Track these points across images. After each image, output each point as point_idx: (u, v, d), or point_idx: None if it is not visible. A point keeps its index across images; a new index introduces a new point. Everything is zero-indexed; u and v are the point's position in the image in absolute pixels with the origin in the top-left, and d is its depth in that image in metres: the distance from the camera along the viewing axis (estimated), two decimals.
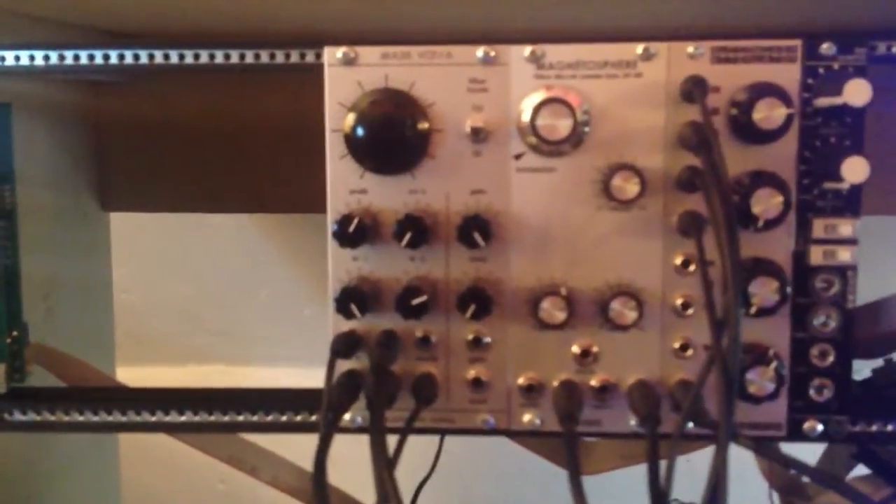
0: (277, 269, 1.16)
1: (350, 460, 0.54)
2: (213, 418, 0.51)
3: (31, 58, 0.49)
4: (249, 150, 0.86)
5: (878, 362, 0.56)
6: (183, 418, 0.51)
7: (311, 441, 0.45)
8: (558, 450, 0.59)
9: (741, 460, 0.53)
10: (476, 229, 0.47)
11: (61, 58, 0.49)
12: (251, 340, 1.21)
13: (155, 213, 0.96)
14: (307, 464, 0.45)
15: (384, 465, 0.41)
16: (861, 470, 0.59)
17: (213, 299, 1.21)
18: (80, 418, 0.51)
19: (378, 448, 0.42)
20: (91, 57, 0.48)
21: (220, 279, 1.19)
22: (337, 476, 0.55)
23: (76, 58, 0.48)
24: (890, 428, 0.49)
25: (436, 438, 0.87)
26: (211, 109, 0.86)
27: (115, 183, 0.85)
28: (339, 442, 0.48)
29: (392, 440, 0.45)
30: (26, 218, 0.70)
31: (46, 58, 0.49)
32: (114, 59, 0.48)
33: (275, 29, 0.63)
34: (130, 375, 1.02)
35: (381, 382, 0.46)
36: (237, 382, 1.22)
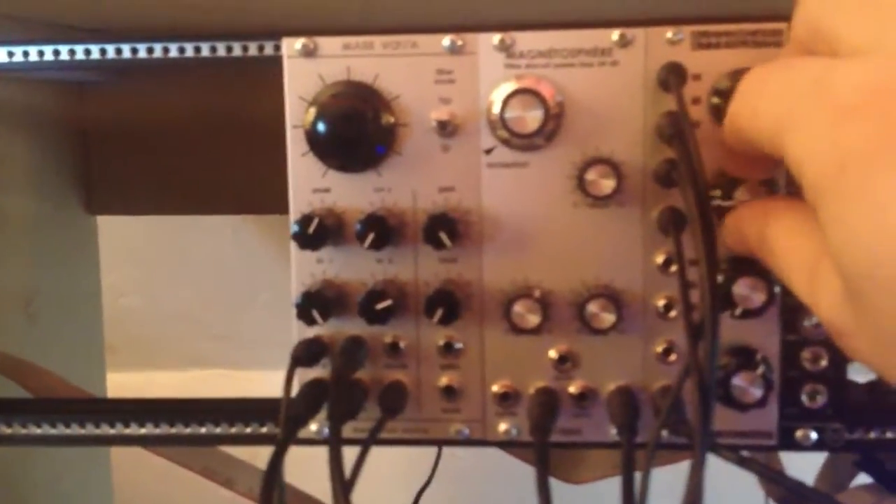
0: (277, 271, 1.14)
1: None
2: (174, 430, 0.49)
3: None
4: (240, 149, 0.84)
5: None
6: (143, 430, 0.49)
7: (290, 451, 0.42)
8: None
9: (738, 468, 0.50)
10: (442, 229, 0.44)
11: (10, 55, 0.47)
12: (252, 344, 1.20)
13: (151, 217, 0.94)
14: (287, 475, 0.42)
15: (339, 481, 0.38)
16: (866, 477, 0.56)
17: (213, 303, 1.19)
18: (38, 431, 0.49)
19: (335, 462, 0.39)
20: (41, 53, 0.46)
21: (220, 282, 1.17)
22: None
23: (25, 55, 0.46)
24: (890, 435, 0.46)
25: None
26: (200, 109, 0.84)
27: (101, 185, 0.84)
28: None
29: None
30: (5, 223, 0.69)
31: None
32: (64, 55, 0.46)
33: (241, 23, 0.61)
34: (130, 381, 1.01)
35: (342, 392, 0.44)
36: (239, 387, 1.20)
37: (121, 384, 0.94)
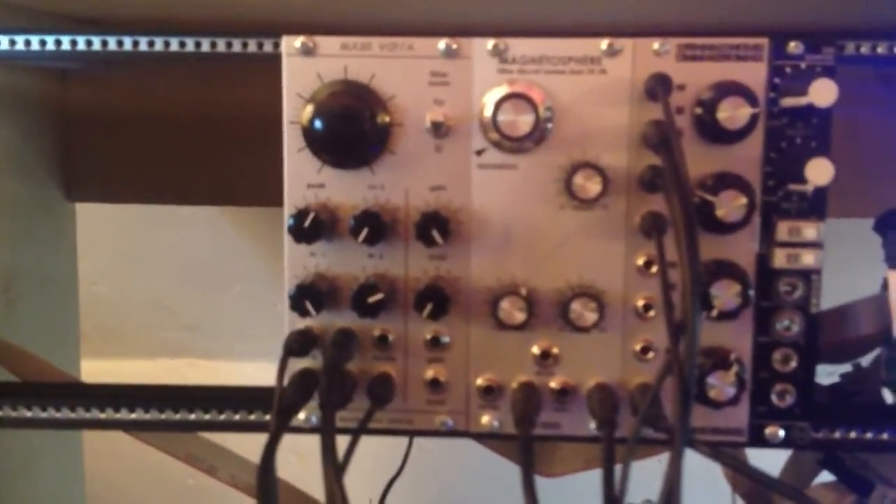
0: (250, 263, 1.14)
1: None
2: (164, 416, 0.50)
3: None
4: (220, 141, 0.85)
5: (847, 367, 0.56)
6: (133, 416, 0.50)
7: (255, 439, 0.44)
8: None
9: (708, 463, 0.52)
10: (434, 227, 0.46)
11: None
12: (223, 334, 1.20)
13: (124, 205, 0.94)
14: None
15: (332, 468, 0.40)
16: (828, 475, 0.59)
17: (186, 293, 1.19)
18: (29, 414, 0.49)
19: (328, 450, 0.41)
20: (43, 42, 0.47)
21: (193, 272, 1.17)
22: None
23: (27, 44, 0.47)
24: (853, 435, 0.48)
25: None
26: (182, 99, 0.84)
27: (81, 173, 0.84)
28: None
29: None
30: None
31: None
32: (66, 46, 0.47)
33: (240, 18, 0.61)
34: (100, 368, 1.01)
35: (334, 382, 0.45)
36: (209, 377, 1.21)
37: (90, 371, 0.94)
